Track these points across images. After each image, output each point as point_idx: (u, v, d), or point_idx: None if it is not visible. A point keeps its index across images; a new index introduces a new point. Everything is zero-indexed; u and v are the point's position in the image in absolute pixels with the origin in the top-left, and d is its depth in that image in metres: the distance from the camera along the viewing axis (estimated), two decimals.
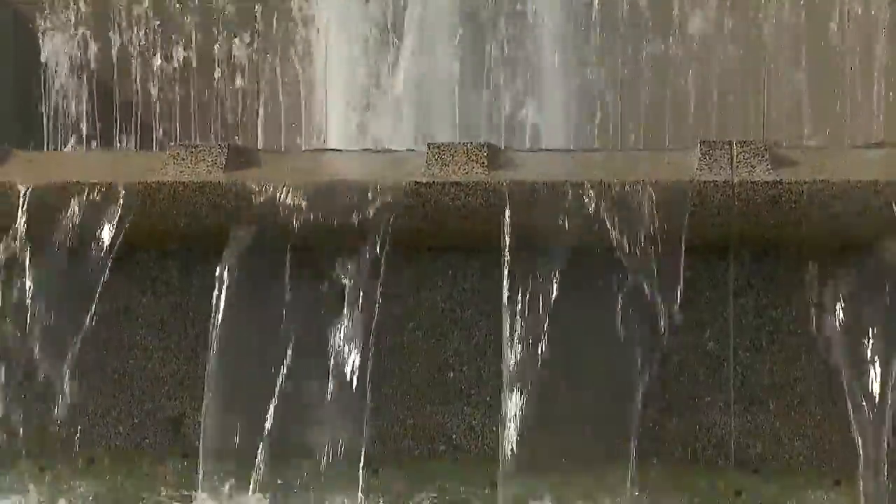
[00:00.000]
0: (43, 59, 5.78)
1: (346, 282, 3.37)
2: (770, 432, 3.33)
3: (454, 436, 3.43)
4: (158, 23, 5.73)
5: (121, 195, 3.38)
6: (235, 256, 3.34)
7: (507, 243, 3.24)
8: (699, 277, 3.33)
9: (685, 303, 3.27)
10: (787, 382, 3.32)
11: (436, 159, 3.39)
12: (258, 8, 5.66)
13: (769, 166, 3.27)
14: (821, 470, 3.29)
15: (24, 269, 3.40)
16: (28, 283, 3.42)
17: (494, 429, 3.40)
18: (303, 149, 4.96)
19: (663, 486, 3.20)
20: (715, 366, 3.34)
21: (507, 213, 3.26)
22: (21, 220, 3.36)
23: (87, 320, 3.42)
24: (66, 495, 3.35)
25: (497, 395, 3.38)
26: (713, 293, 3.34)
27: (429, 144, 3.49)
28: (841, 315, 3.22)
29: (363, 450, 3.36)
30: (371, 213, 3.31)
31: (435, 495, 3.35)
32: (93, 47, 5.74)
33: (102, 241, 3.39)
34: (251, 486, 3.29)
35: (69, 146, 5.60)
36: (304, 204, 3.30)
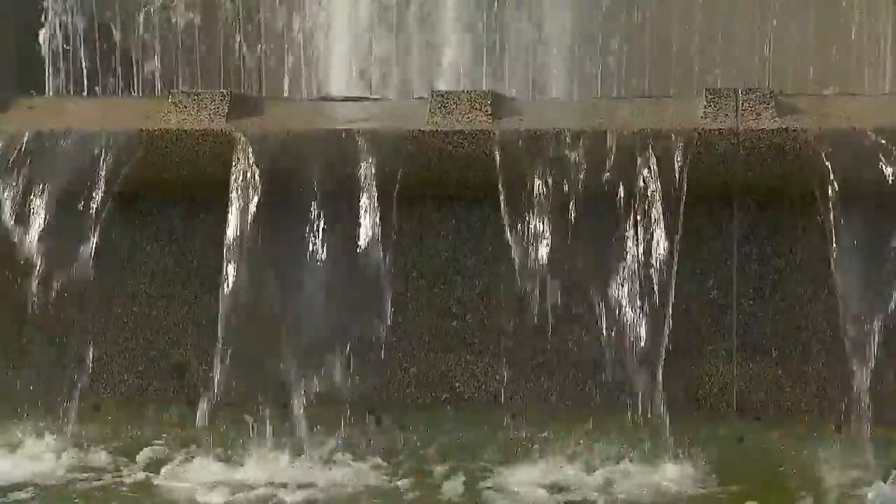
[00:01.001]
0: (45, 7, 5.73)
1: (350, 230, 3.37)
2: (772, 380, 3.35)
3: (457, 384, 3.45)
4: None
5: (122, 142, 3.37)
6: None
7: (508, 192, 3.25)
8: (703, 226, 3.32)
9: (688, 251, 3.27)
10: (789, 330, 3.33)
11: (439, 107, 3.38)
12: None
13: (775, 114, 3.26)
14: (822, 416, 3.31)
15: (29, 217, 3.41)
16: (34, 232, 3.43)
17: (497, 377, 3.41)
18: (305, 97, 4.93)
19: (665, 432, 3.22)
20: (718, 314, 3.35)
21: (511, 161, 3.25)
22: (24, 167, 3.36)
23: (91, 268, 3.43)
24: (74, 441, 3.37)
25: (499, 343, 3.39)
26: (717, 242, 3.34)
27: (432, 92, 3.47)
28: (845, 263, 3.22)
29: (366, 397, 3.38)
30: (373, 162, 3.30)
31: (438, 443, 3.37)
32: None
33: (105, 189, 3.38)
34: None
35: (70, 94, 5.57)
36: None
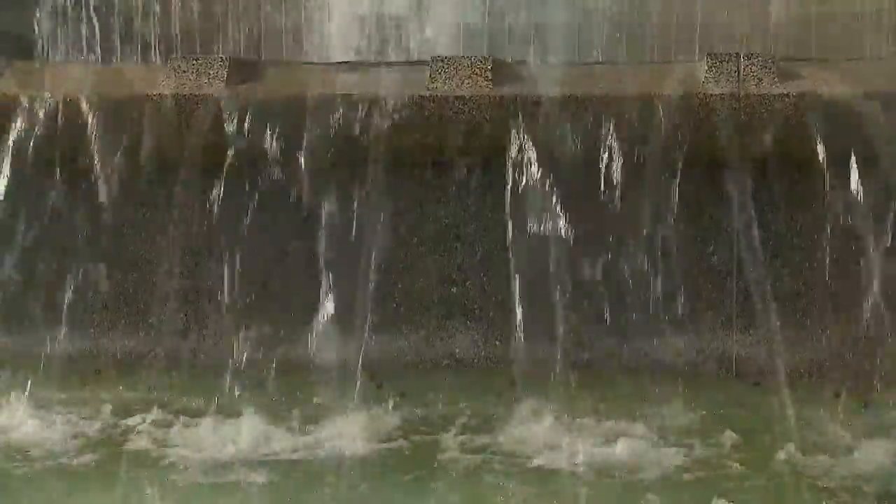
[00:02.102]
0: None
1: (351, 196, 3.37)
2: (772, 346, 3.36)
3: (457, 350, 3.46)
4: None
5: (122, 107, 3.36)
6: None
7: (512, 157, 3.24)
8: (703, 191, 3.32)
9: (689, 217, 3.28)
10: (789, 297, 3.34)
11: (440, 73, 3.37)
12: None
13: (776, 79, 3.25)
14: (821, 383, 3.32)
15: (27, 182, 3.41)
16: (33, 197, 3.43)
17: (497, 343, 3.43)
18: (305, 62, 4.90)
19: (665, 398, 3.24)
20: (718, 280, 3.35)
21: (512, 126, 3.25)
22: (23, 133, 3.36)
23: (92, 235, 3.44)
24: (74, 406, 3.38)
25: (499, 310, 3.40)
26: (717, 208, 3.34)
27: (432, 58, 3.46)
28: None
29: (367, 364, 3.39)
30: (374, 127, 3.29)
31: (438, 408, 3.38)
32: None
33: (103, 155, 3.38)
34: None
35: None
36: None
